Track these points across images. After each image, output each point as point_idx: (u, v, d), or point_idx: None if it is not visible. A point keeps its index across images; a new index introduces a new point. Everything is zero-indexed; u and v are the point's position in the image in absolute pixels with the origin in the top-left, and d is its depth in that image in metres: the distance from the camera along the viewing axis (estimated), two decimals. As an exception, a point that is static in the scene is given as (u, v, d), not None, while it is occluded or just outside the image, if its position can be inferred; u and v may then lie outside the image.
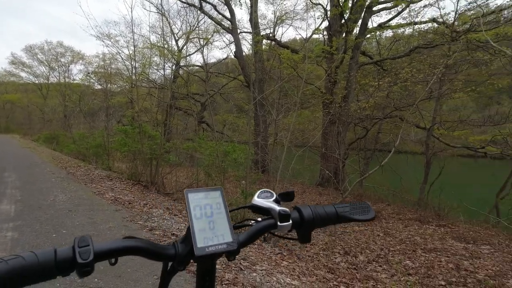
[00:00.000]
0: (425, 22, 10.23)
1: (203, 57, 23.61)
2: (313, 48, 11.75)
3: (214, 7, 14.77)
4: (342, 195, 6.78)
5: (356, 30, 10.71)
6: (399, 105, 9.47)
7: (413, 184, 9.09)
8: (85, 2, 20.76)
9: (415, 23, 10.36)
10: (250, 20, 13.36)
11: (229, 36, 15.97)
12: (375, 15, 11.23)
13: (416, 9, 10.28)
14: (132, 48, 7.95)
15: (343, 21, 10.39)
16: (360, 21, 10.53)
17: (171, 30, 16.07)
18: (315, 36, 13.94)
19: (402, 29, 11.32)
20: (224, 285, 2.54)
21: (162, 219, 4.35)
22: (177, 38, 17.22)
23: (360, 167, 10.38)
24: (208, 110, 15.82)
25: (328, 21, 11.07)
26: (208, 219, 0.54)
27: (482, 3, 8.47)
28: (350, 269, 3.85)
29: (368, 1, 9.98)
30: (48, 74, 28.45)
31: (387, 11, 11.13)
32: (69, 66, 26.99)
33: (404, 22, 10.80)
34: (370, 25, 10.98)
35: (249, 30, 15.77)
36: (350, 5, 10.17)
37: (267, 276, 2.98)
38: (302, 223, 0.61)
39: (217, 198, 0.57)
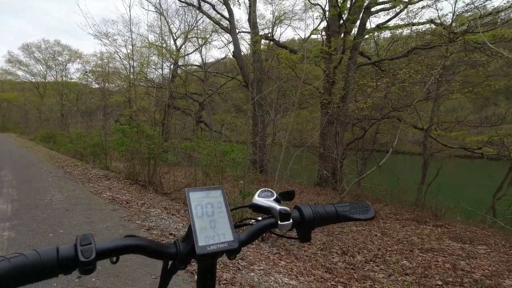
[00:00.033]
0: (423, 23, 10.28)
1: (201, 56, 23.55)
2: (312, 48, 11.77)
3: (213, 6, 14.76)
4: (340, 195, 6.80)
5: (355, 31, 10.74)
6: (397, 106, 9.51)
7: (411, 185, 9.13)
8: (83, 0, 20.65)
9: (413, 24, 10.40)
10: (249, 20, 13.36)
11: (227, 36, 15.98)
12: (374, 15, 11.29)
13: (414, 10, 10.33)
14: (130, 47, 7.92)
15: (341, 21, 10.41)
16: (358, 22, 10.56)
17: (170, 29, 16.01)
18: (313, 36, 13.96)
19: (400, 30, 11.37)
20: (222, 285, 2.54)
21: (160, 218, 4.34)
22: (175, 38, 17.22)
23: (358, 167, 10.42)
24: (206, 109, 15.82)
25: (327, 21, 11.09)
26: (209, 218, 0.54)
27: (479, 4, 8.52)
28: (347, 269, 3.86)
29: (367, 1, 10.01)
30: (45, 72, 28.32)
31: (385, 12, 11.18)
32: (66, 65, 26.87)
33: (402, 23, 10.85)
34: (368, 25, 11.02)
35: (247, 30, 15.77)
36: (348, 5, 10.20)
37: (265, 276, 2.98)
38: (303, 222, 0.61)
39: (218, 197, 0.57)
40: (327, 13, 11.03)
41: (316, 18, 16.42)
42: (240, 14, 45.84)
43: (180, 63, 16.16)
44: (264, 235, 4.04)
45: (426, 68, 8.71)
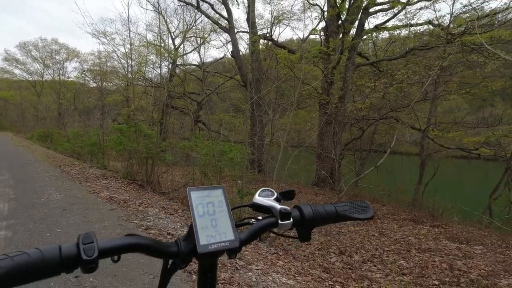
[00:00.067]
0: (421, 24, 10.33)
1: (200, 56, 23.47)
2: (310, 49, 11.78)
3: (211, 6, 14.74)
4: (338, 195, 6.82)
5: (353, 31, 10.77)
6: (395, 106, 9.56)
7: (408, 185, 9.18)
8: (81, -1, 20.55)
9: (411, 25, 10.45)
10: (247, 19, 13.36)
11: (226, 36, 15.97)
12: (372, 16, 11.32)
13: (412, 11, 10.39)
14: (129, 46, 7.90)
15: (340, 22, 10.44)
16: (356, 22, 10.59)
17: (168, 28, 16.00)
18: (312, 36, 13.99)
19: (398, 31, 11.42)
20: (220, 285, 2.54)
21: (157, 218, 4.33)
22: (174, 37, 17.18)
23: (355, 167, 10.44)
24: (204, 109, 15.79)
25: (325, 21, 11.12)
26: (210, 217, 0.54)
27: (477, 6, 8.58)
28: (345, 268, 3.87)
29: (365, 2, 10.04)
30: (42, 71, 28.11)
31: (384, 12, 11.21)
32: (63, 64, 26.70)
33: (400, 24, 10.91)
34: (366, 26, 11.05)
35: (246, 30, 15.77)
36: (347, 6, 10.22)
37: (263, 276, 2.98)
38: (303, 221, 0.61)
39: (219, 196, 0.57)
40: (325, 13, 11.05)
41: (315, 19, 16.48)
42: (239, 14, 45.92)
43: (178, 63, 16.15)
44: (262, 234, 4.04)
45: (424, 69, 8.75)
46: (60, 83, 23.68)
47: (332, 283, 3.34)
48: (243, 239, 0.56)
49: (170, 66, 14.46)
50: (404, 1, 10.05)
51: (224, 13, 14.55)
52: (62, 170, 7.67)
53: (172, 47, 16.48)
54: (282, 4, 34.11)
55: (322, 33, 11.78)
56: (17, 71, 28.96)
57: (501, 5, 8.62)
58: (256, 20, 14.65)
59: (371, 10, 10.81)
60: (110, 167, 9.42)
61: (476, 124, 9.22)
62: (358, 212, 0.66)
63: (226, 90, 18.27)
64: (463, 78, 9.60)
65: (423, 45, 10.02)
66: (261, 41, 14.45)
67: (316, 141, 10.90)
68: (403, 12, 10.55)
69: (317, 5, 12.12)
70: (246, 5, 13.67)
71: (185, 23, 16.85)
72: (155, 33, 15.19)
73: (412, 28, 10.64)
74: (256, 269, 3.09)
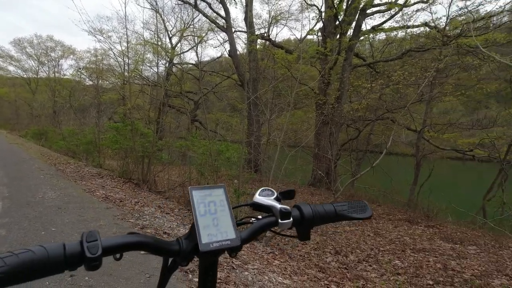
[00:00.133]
0: (417, 26, 10.42)
1: (197, 55, 23.49)
2: (307, 49, 11.81)
3: (209, 5, 14.71)
4: (334, 195, 6.84)
5: (350, 32, 10.82)
6: (391, 107, 9.62)
7: (403, 185, 9.25)
8: (77, -4, 20.40)
9: (408, 27, 10.54)
10: (245, 19, 13.35)
11: (223, 35, 15.93)
12: (369, 17, 11.39)
13: (409, 13, 10.49)
14: (125, 44, 7.85)
15: (337, 22, 10.48)
16: (354, 23, 10.64)
17: (165, 27, 15.92)
18: (309, 37, 14.04)
19: (395, 32, 11.51)
20: (216, 284, 2.54)
21: (153, 217, 4.31)
22: (171, 36, 17.09)
23: (352, 167, 10.50)
24: (201, 108, 15.76)
25: (323, 22, 11.15)
26: (212, 216, 0.55)
27: (472, 9, 8.67)
28: (340, 268, 3.89)
29: (362, 3, 10.10)
30: (37, 68, 27.78)
31: (381, 14, 11.29)
32: (59, 61, 26.41)
33: (397, 25, 10.99)
34: (363, 27, 11.12)
35: (243, 29, 15.74)
36: (344, 7, 10.27)
37: (259, 275, 2.99)
38: (303, 220, 0.62)
39: (221, 196, 0.58)
40: (323, 14, 11.09)
41: (312, 19, 16.52)
42: (237, 13, 45.75)
43: (175, 61, 16.05)
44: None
45: (420, 70, 8.83)
46: (56, 81, 23.46)
47: (327, 283, 3.36)
48: (244, 237, 0.56)
49: (167, 64, 14.41)
50: (401, 3, 10.12)
51: (222, 12, 14.52)
52: (57, 169, 7.60)
53: (169, 45, 16.39)
54: (280, 4, 34.18)
55: (319, 34, 11.83)
56: (11, 68, 28.61)
57: (496, 8, 8.75)
58: (254, 19, 14.62)
59: (368, 11, 10.87)
60: (106, 165, 9.36)
61: (471, 125, 9.33)
62: (356, 212, 0.66)
63: (223, 89, 18.23)
64: (459, 80, 9.71)
65: (419, 47, 10.11)
66: (259, 41, 14.46)
67: (313, 141, 10.93)
68: (400, 13, 10.65)
69: (314, 5, 12.16)
70: (244, 4, 13.64)
71: (182, 21, 16.76)
72: (152, 31, 15.10)
73: (408, 30, 10.74)
74: (252, 269, 3.10)
